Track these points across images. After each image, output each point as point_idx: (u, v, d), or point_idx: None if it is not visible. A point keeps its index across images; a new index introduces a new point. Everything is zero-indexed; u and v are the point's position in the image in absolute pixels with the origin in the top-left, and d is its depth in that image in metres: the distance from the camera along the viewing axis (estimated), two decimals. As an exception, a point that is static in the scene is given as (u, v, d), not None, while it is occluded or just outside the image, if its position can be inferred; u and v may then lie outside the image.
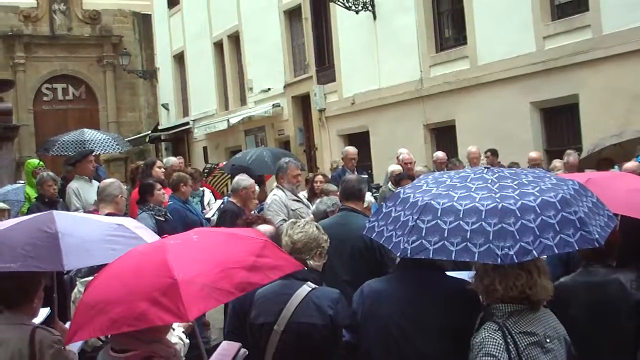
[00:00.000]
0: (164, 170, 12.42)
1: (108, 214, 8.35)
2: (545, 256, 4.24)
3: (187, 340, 5.49)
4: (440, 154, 15.41)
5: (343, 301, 4.99)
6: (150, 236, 5.73)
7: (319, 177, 13.28)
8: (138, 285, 3.84)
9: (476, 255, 3.66)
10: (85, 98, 39.21)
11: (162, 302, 3.69)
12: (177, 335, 5.39)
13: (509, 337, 3.78)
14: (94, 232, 5.54)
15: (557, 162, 13.00)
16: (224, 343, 4.73)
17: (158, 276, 3.82)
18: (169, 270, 3.81)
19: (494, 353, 3.73)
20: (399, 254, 4.03)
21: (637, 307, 4.42)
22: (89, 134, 16.39)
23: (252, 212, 9.92)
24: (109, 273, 4.11)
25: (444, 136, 19.05)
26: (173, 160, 14.99)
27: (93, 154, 13.20)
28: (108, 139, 16.66)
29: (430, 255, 3.81)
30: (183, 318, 3.66)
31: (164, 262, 3.91)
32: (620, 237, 4.72)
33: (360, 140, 21.03)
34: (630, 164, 9.63)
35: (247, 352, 4.66)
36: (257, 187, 10.88)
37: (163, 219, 9.64)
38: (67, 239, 5.22)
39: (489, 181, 4.02)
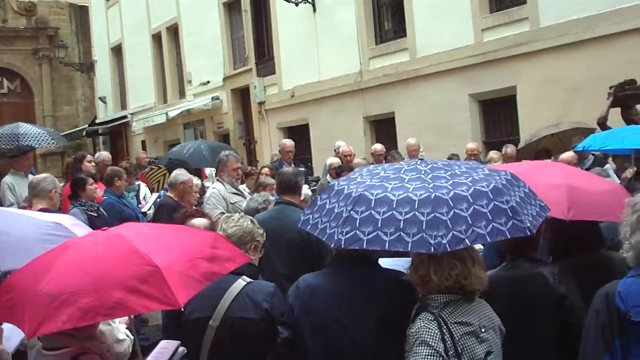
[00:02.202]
0: (94, 164, 12.21)
1: (41, 210, 8.20)
2: (482, 246, 4.23)
3: (132, 336, 5.41)
4: (378, 147, 15.45)
5: (279, 295, 4.97)
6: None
7: (265, 170, 13.32)
8: (106, 274, 3.80)
9: (410, 244, 3.65)
10: (20, 92, 38.39)
11: (143, 290, 3.70)
12: (123, 331, 5.32)
13: (445, 327, 3.77)
14: (31, 231, 5.40)
15: (493, 154, 13.16)
16: (162, 342, 4.67)
17: (132, 264, 3.81)
18: (144, 258, 3.82)
19: (430, 343, 3.72)
20: (333, 245, 3.99)
21: (561, 301, 4.43)
22: (24, 127, 16.07)
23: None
24: (64, 263, 3.99)
25: (383, 128, 19.10)
26: (104, 154, 14.76)
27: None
28: (43, 133, 16.35)
29: (364, 246, 3.77)
30: (174, 304, 3.67)
31: (134, 250, 3.90)
32: (551, 236, 4.74)
33: (300, 133, 21.06)
34: (566, 155, 9.74)
35: (186, 350, 4.59)
36: (198, 181, 10.81)
37: (95, 214, 9.53)
38: (3, 238, 5.07)
39: (423, 172, 4.02)
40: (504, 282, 4.59)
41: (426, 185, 3.85)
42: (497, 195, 3.82)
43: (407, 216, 3.70)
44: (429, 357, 3.71)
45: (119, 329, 5.35)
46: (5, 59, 37.72)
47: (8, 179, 11.52)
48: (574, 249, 4.93)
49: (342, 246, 3.88)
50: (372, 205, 3.83)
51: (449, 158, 12.47)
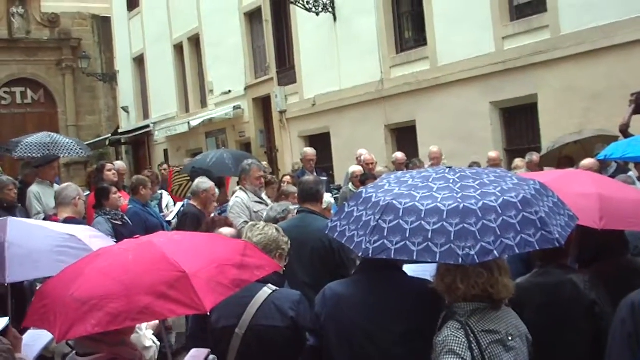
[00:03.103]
0: (114, 172, 12.25)
1: (67, 219, 8.27)
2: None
3: (159, 343, 5.46)
4: (399, 155, 15.48)
5: (305, 303, 4.97)
6: (106, 245, 5.64)
7: (287, 178, 13.33)
8: (135, 280, 3.86)
9: (437, 255, 3.65)
10: (44, 102, 38.72)
11: (170, 295, 3.76)
12: (150, 338, 5.37)
13: (472, 335, 3.78)
14: (44, 243, 5.45)
15: (519, 162, 13.10)
16: (193, 350, 4.69)
17: (161, 270, 3.88)
18: (173, 264, 3.89)
19: (457, 351, 3.73)
20: (360, 254, 4.00)
21: (592, 308, 4.44)
22: (54, 137, 16.21)
23: (213, 214, 9.89)
24: (95, 269, 4.06)
25: (404, 137, 19.09)
26: (119, 164, 14.87)
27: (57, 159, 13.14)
28: (72, 142, 16.49)
29: (392, 255, 3.79)
30: (200, 309, 3.73)
31: (163, 257, 3.97)
32: (578, 243, 4.74)
33: (321, 141, 21.04)
34: (587, 161, 9.71)
35: (217, 358, 4.62)
36: (217, 190, 10.84)
37: (120, 223, 9.56)
38: (14, 250, 5.13)
39: (451, 181, 4.02)
40: (535, 289, 4.61)
41: (455, 195, 3.85)
42: (526, 206, 3.81)
43: (435, 226, 3.70)
44: (456, 365, 3.71)
45: (146, 336, 5.41)
46: (29, 69, 38.07)
47: (34, 188, 11.60)
48: (601, 256, 4.94)
49: (370, 255, 3.89)
50: (401, 214, 3.84)
51: (470, 166, 12.44)
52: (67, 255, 5.16)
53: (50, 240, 5.52)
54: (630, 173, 10.36)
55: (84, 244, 5.55)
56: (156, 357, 5.48)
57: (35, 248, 5.32)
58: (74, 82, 38.69)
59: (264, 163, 17.46)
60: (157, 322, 5.28)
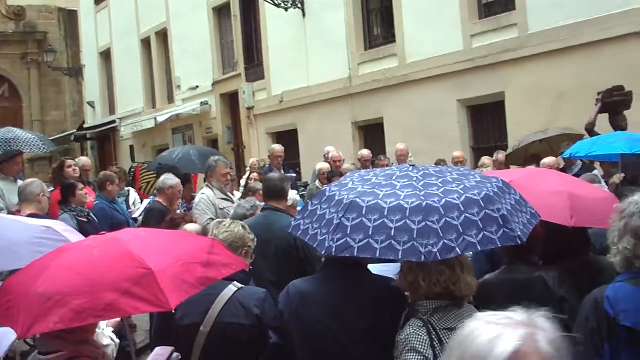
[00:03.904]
0: (74, 168, 12.09)
1: (30, 215, 8.16)
2: (471, 252, 4.27)
3: (118, 340, 5.41)
4: (364, 152, 15.50)
5: (270, 300, 4.95)
6: (77, 239, 5.60)
7: (254, 175, 13.32)
8: (100, 276, 3.82)
9: (400, 252, 3.66)
10: (8, 96, 38.35)
11: (134, 292, 3.72)
12: (108, 335, 5.32)
13: (434, 333, 3.77)
14: (22, 234, 5.40)
15: (485, 160, 13.18)
16: (157, 348, 4.67)
17: (126, 267, 3.84)
18: (138, 260, 3.85)
19: (419, 349, 3.72)
20: (323, 252, 4.00)
21: (561, 304, 4.45)
22: (16, 132, 16.01)
23: (178, 211, 9.85)
24: (59, 265, 4.02)
25: (372, 134, 19.12)
26: (84, 160, 14.71)
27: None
28: (34, 138, 16.28)
29: (355, 253, 3.78)
30: (165, 306, 3.69)
31: (128, 253, 3.94)
32: (544, 238, 4.77)
33: (288, 138, 21.01)
34: (549, 159, 9.78)
35: (180, 356, 4.59)
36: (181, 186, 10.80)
37: (85, 220, 9.48)
38: None
39: (414, 179, 4.03)
40: (504, 285, 4.64)
41: (417, 192, 3.86)
42: (488, 203, 3.83)
43: (398, 224, 3.70)
44: (418, 363, 3.71)
45: (104, 334, 5.36)
46: (-7, 63, 37.68)
47: (-3, 184, 11.45)
48: (565, 253, 4.98)
49: (333, 253, 3.89)
50: (363, 212, 3.84)
51: (436, 163, 12.48)
52: (46, 246, 5.10)
53: (27, 232, 5.47)
54: (595, 171, 10.43)
55: (62, 235, 5.51)
56: (114, 354, 5.43)
57: (14, 239, 5.27)
58: (39, 76, 38.35)
59: (252, 159, 17.37)
60: (117, 319, 5.25)
